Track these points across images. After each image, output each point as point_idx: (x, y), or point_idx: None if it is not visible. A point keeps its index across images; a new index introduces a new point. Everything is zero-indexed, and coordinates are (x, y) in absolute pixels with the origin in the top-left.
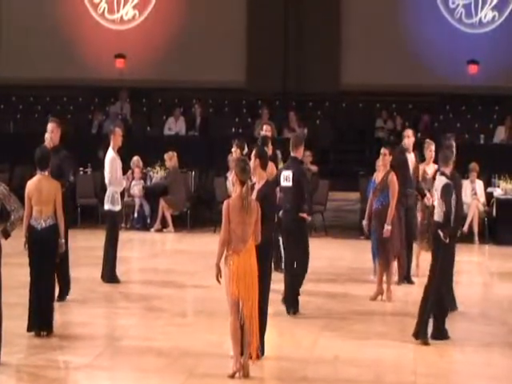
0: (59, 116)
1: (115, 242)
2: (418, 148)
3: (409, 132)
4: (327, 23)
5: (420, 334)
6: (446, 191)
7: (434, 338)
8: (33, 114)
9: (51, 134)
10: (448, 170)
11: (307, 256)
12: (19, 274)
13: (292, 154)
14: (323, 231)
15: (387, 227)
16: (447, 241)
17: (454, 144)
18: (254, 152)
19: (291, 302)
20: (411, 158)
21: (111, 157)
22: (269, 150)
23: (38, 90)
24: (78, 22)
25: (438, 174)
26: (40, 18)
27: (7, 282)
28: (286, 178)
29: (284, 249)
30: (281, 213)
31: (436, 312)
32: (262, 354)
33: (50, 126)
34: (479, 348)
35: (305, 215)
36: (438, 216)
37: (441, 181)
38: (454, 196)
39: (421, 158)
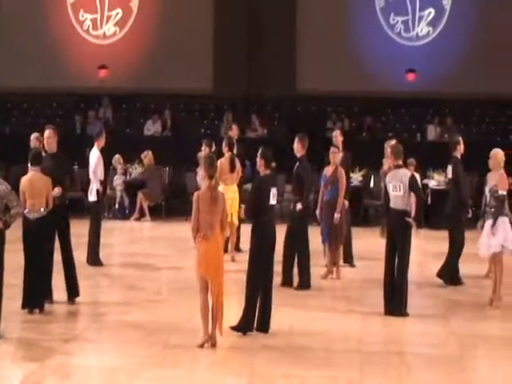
0: (49, 120)
1: (98, 229)
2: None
3: (336, 132)
4: (284, 41)
5: (396, 311)
6: (415, 181)
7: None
8: (26, 118)
9: (48, 140)
10: (401, 162)
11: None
12: (17, 258)
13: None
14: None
15: (337, 215)
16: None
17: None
18: (259, 152)
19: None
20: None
21: (95, 155)
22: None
23: (30, 98)
24: (67, 37)
25: (393, 166)
26: (33, 35)
27: (7, 266)
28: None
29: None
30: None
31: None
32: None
33: (48, 132)
34: (416, 319)
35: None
36: (403, 204)
37: (404, 173)
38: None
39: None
